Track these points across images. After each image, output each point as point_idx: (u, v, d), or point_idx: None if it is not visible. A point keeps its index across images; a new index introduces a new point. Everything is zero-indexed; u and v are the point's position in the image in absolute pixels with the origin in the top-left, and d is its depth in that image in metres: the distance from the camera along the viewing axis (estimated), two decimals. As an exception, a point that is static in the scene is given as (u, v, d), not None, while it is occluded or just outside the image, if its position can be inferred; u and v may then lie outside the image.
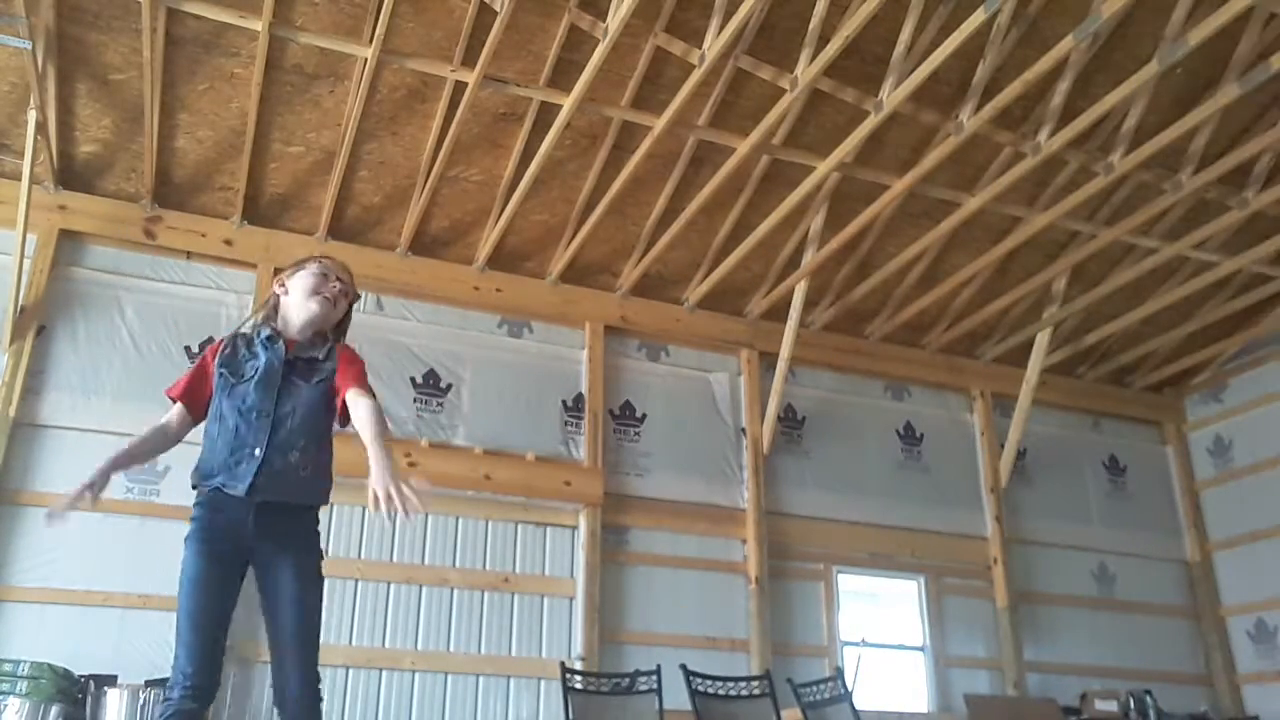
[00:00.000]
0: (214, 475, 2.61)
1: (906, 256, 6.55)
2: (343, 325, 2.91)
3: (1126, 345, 7.92)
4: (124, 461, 2.76)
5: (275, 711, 2.54)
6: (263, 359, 2.71)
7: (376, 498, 2.34)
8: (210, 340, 5.96)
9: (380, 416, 2.59)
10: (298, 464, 2.64)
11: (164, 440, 2.79)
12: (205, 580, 2.52)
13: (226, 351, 2.77)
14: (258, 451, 2.60)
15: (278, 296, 2.85)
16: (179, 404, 2.79)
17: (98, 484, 2.62)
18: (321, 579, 2.66)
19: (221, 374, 2.72)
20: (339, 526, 5.86)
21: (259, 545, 2.58)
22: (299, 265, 2.87)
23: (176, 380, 2.84)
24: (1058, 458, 7.95)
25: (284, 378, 2.70)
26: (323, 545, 2.73)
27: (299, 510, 2.66)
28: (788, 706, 5.58)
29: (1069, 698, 6.87)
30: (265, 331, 2.78)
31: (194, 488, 2.66)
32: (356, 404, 2.62)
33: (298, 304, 2.79)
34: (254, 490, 2.56)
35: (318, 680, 2.55)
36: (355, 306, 2.93)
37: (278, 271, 3.03)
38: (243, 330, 2.86)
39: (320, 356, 2.76)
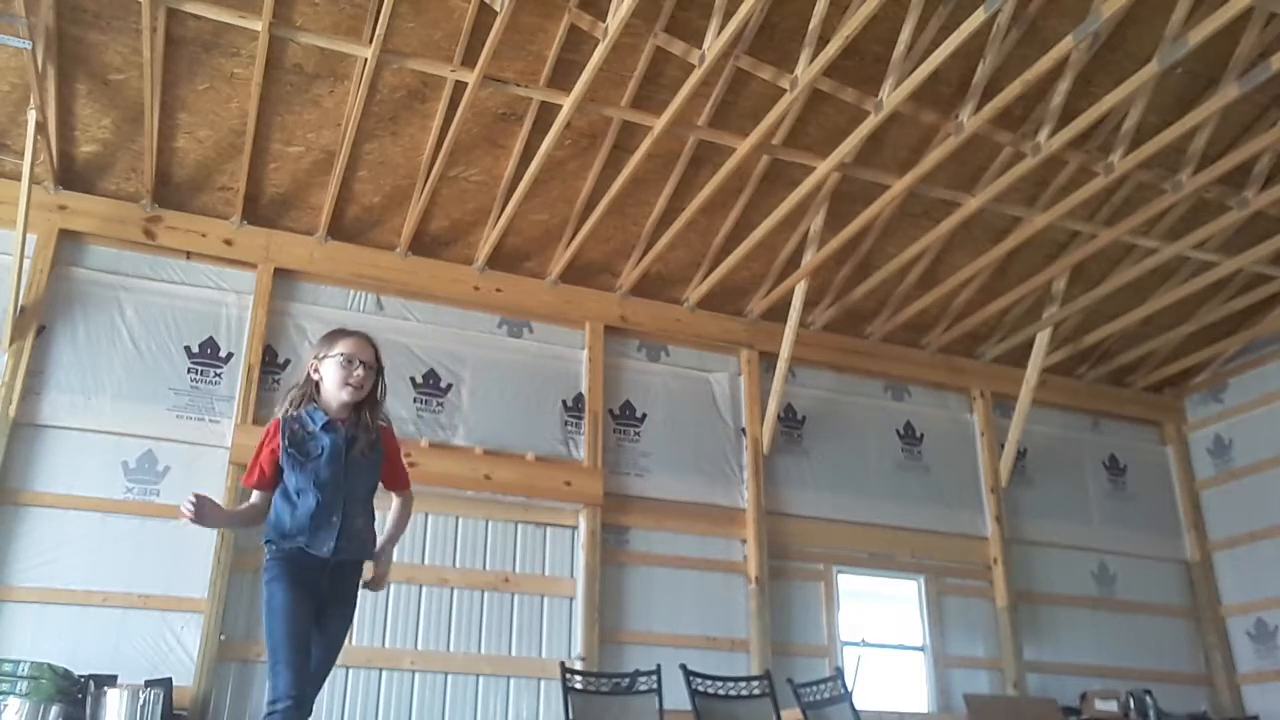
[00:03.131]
0: (295, 536, 3.04)
1: (906, 256, 6.55)
2: (377, 394, 3.28)
3: (1126, 345, 7.92)
4: (224, 522, 3.65)
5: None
6: (327, 441, 3.12)
7: (377, 581, 3.24)
8: (211, 342, 5.99)
9: (408, 515, 3.44)
10: (363, 528, 3.16)
11: (258, 520, 3.19)
12: (297, 610, 2.97)
13: (287, 436, 3.14)
14: (335, 519, 3.06)
15: (314, 381, 3.22)
16: (262, 491, 3.18)
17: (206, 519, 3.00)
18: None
19: (291, 454, 3.10)
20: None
21: (328, 590, 3.07)
22: (328, 347, 3.22)
23: (251, 470, 3.20)
24: (1058, 458, 7.95)
25: (345, 453, 3.13)
26: None
27: (358, 564, 3.17)
28: (788, 706, 5.58)
29: (1069, 698, 6.87)
30: (319, 416, 3.17)
31: (268, 542, 3.07)
32: (398, 499, 3.39)
33: (331, 393, 3.18)
34: (336, 552, 3.04)
35: (306, 694, 2.95)
36: (380, 376, 3.28)
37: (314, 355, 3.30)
38: (291, 413, 3.21)
39: (374, 438, 3.22)
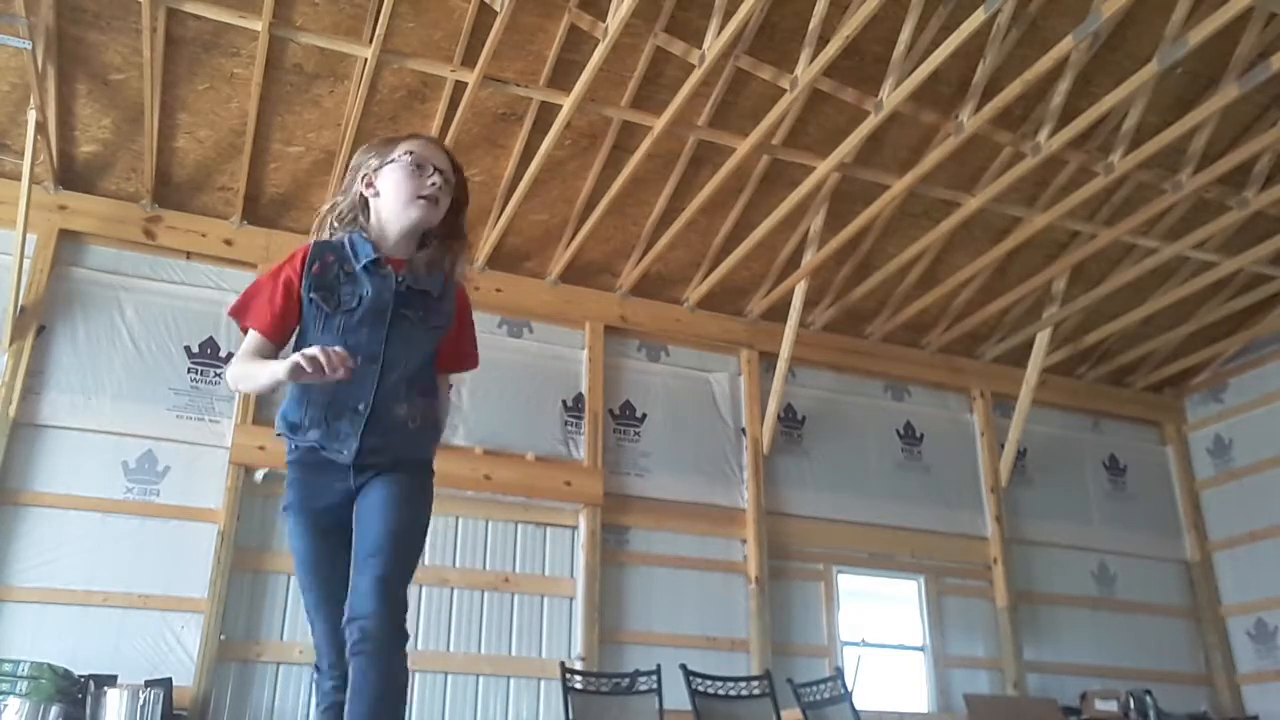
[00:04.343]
0: (305, 430, 2.19)
1: (906, 256, 6.55)
2: (454, 226, 2.35)
3: (1126, 345, 7.92)
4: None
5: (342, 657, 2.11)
6: (369, 288, 2.20)
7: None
8: (211, 342, 5.99)
9: (448, 408, 2.47)
10: (406, 417, 2.22)
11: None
12: (318, 561, 2.22)
13: (316, 269, 2.21)
14: (363, 406, 2.16)
15: (363, 199, 2.29)
16: (264, 339, 2.21)
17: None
18: (429, 498, 2.25)
19: (313, 300, 2.20)
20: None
21: (359, 489, 2.20)
22: (385, 150, 2.30)
23: (248, 300, 2.24)
24: (1058, 458, 7.95)
25: (394, 311, 2.21)
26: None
27: (406, 468, 2.25)
28: (788, 706, 5.58)
29: (1069, 698, 6.87)
30: (366, 249, 2.23)
31: (279, 435, 2.27)
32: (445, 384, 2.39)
33: (394, 211, 2.25)
34: (360, 455, 2.16)
35: (395, 604, 2.03)
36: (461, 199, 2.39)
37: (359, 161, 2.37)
38: (331, 239, 2.29)
39: (435, 294, 2.29)
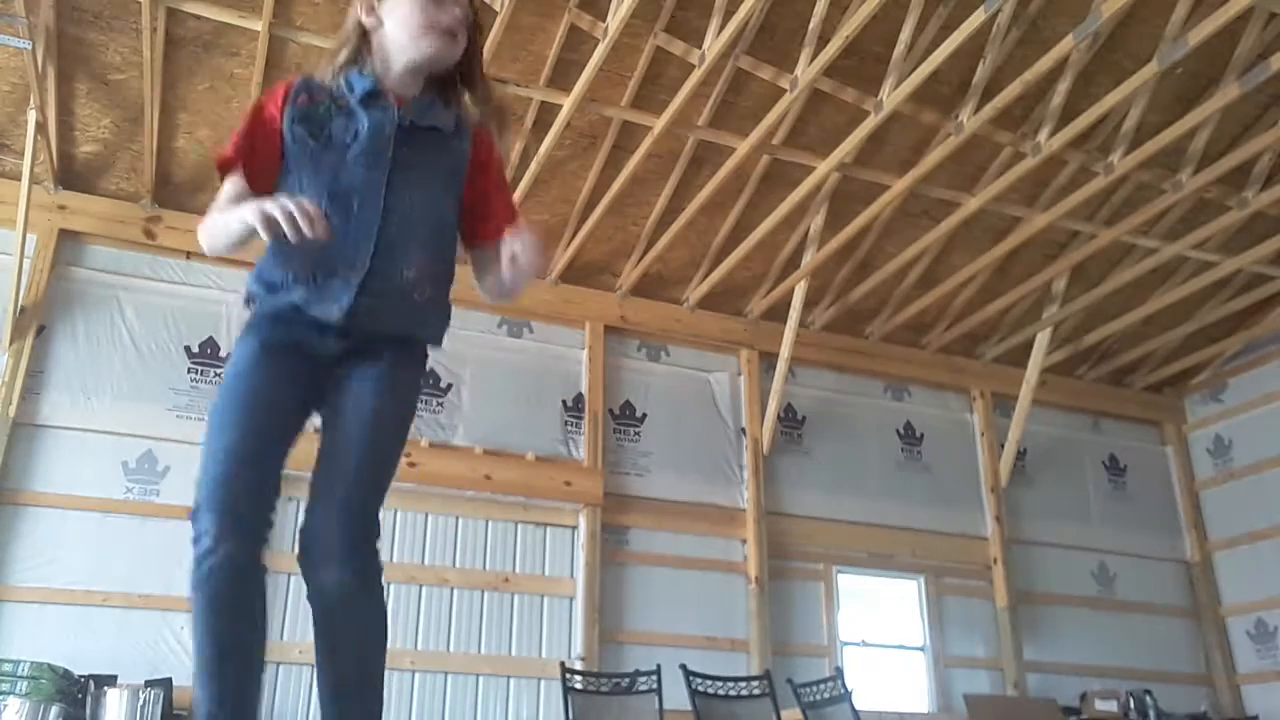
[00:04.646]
0: (285, 289, 1.84)
1: (906, 256, 6.55)
2: (469, 70, 2.00)
3: (1126, 345, 7.92)
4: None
5: (305, 587, 1.84)
6: (365, 121, 1.87)
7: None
8: (211, 342, 5.99)
9: (540, 252, 1.91)
10: (412, 283, 1.89)
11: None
12: (258, 398, 1.81)
13: (302, 100, 1.89)
14: (360, 261, 1.83)
15: (362, 30, 1.95)
16: (240, 184, 1.87)
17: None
18: (412, 411, 1.98)
19: (297, 134, 1.86)
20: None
21: (342, 366, 1.88)
22: None
23: (231, 150, 1.91)
24: (1058, 458, 7.95)
25: (396, 150, 1.88)
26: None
27: (405, 348, 1.94)
28: (788, 706, 5.58)
29: (1069, 698, 6.87)
30: (364, 82, 1.90)
31: (246, 303, 1.91)
32: (515, 247, 1.84)
33: (402, 44, 1.91)
34: (353, 317, 1.83)
35: (376, 536, 1.81)
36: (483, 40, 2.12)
37: None
38: (322, 79, 1.94)
39: (447, 129, 1.95)
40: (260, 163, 1.88)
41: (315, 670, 1.85)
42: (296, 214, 1.65)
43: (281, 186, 1.86)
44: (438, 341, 2.02)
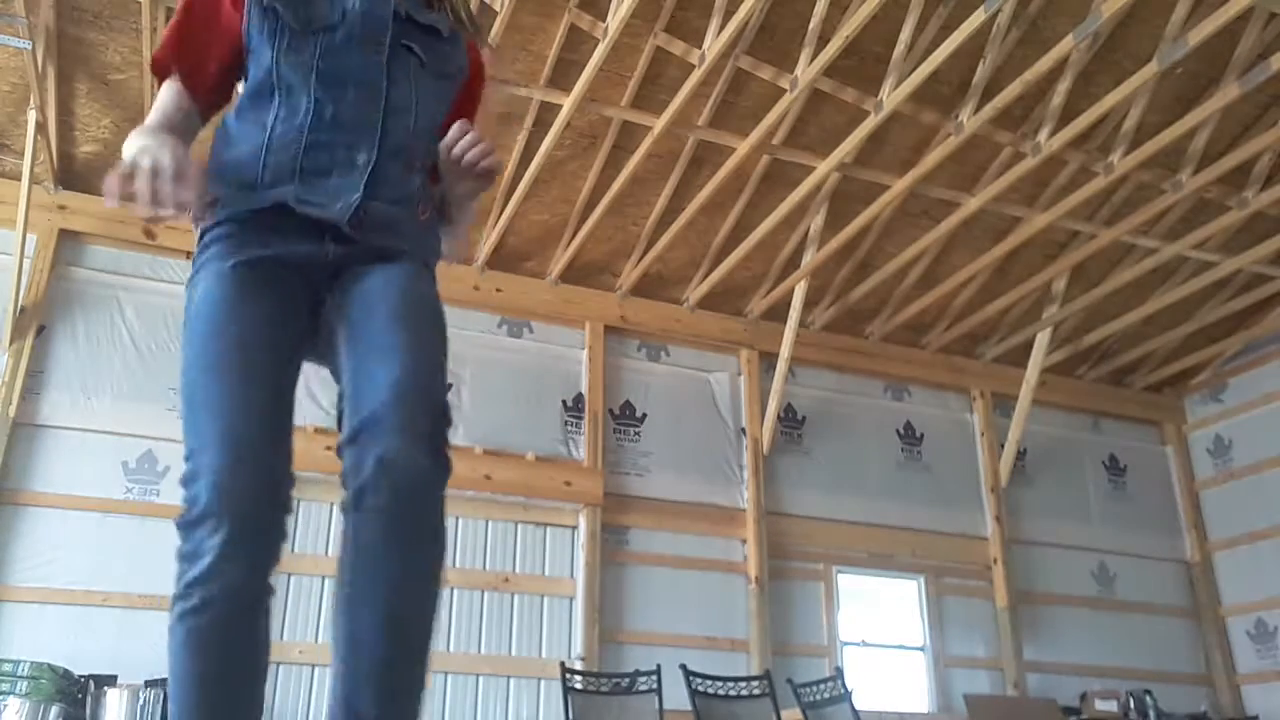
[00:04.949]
0: (265, 187, 1.49)
1: (906, 256, 6.55)
2: None
3: (1126, 345, 7.92)
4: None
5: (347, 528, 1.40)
6: (356, 1, 1.58)
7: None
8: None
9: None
10: (416, 197, 1.61)
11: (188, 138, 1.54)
12: (241, 332, 1.44)
13: None
14: (364, 157, 1.53)
15: None
16: (172, 82, 1.57)
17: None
18: (444, 321, 1.59)
19: (271, 9, 1.54)
20: (338, 527, 5.86)
21: (338, 279, 1.54)
22: None
23: (167, 40, 1.61)
24: (1058, 458, 7.95)
25: (394, 40, 1.60)
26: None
27: (409, 260, 1.59)
28: (788, 706, 5.58)
29: (1069, 698, 6.87)
30: None
31: (202, 223, 1.53)
32: None
33: None
34: (359, 222, 1.51)
35: (442, 416, 1.45)
36: None
37: None
38: None
39: (444, 33, 1.68)
40: (204, 58, 1.57)
41: (340, 631, 1.37)
42: (148, 175, 1.32)
43: (251, 77, 1.56)
44: (434, 249, 1.68)
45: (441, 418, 1.43)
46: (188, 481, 1.37)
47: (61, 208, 5.85)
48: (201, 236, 1.53)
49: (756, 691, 5.69)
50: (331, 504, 5.90)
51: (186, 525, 1.35)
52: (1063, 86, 5.53)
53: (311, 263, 1.52)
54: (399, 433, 1.35)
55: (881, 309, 7.39)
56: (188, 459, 1.38)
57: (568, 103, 5.33)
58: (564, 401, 6.68)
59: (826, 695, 5.62)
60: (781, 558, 6.80)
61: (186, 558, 1.34)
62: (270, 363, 1.45)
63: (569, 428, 6.62)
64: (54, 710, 4.60)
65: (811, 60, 5.01)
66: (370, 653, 1.34)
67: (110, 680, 4.86)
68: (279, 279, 1.49)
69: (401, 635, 1.35)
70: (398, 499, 1.34)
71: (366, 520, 1.35)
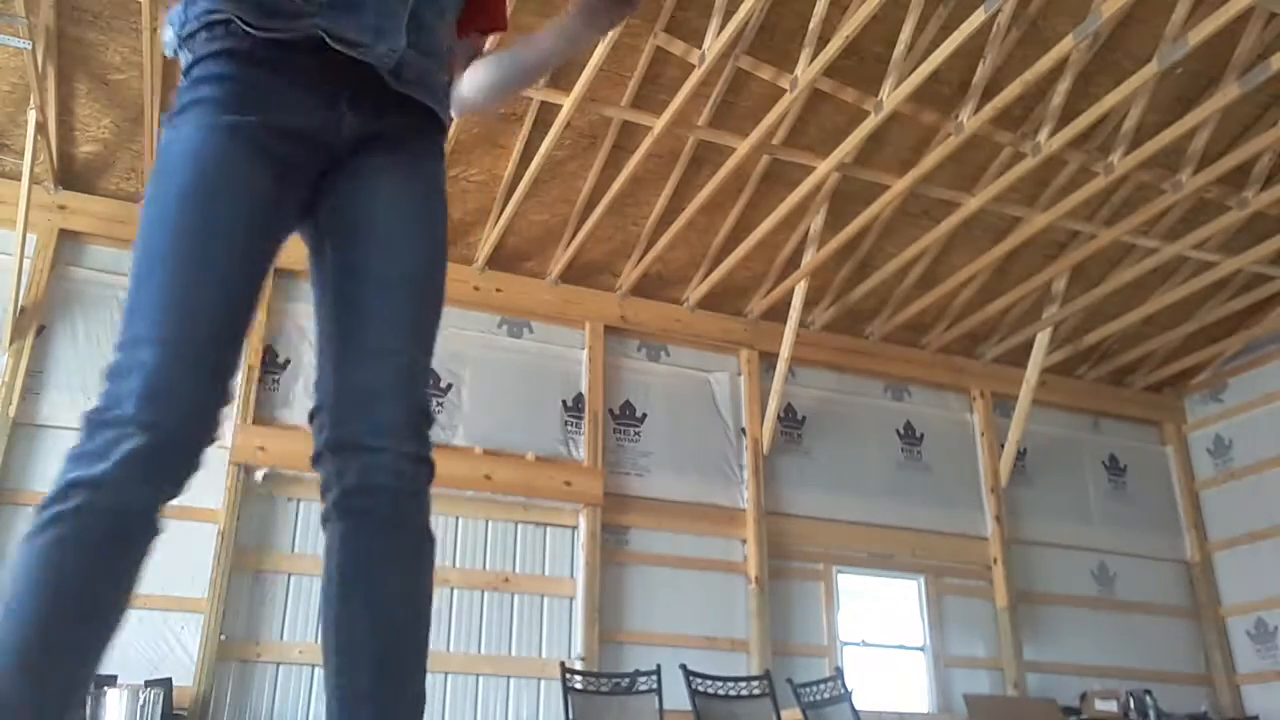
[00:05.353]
0: (293, 15, 1.26)
1: (906, 256, 6.55)
2: None
3: (1126, 345, 7.92)
4: None
5: (328, 477, 1.30)
6: None
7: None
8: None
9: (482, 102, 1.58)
10: (441, 53, 1.43)
11: None
12: (234, 194, 1.23)
13: None
14: None
15: None
16: None
17: None
18: (447, 220, 1.44)
19: None
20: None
21: (346, 160, 1.35)
22: None
23: None
24: (1058, 458, 7.95)
25: None
26: None
27: (429, 127, 1.43)
28: (788, 706, 5.58)
29: (1069, 698, 6.87)
30: None
31: (183, 40, 1.32)
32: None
33: None
34: (401, 69, 1.33)
35: (429, 421, 1.32)
36: None
37: None
38: None
39: None
40: None
41: (334, 644, 1.25)
42: None
43: None
44: (445, 131, 1.48)
45: (426, 420, 1.32)
46: (114, 375, 1.18)
47: (61, 208, 5.85)
48: (189, 69, 1.30)
49: (756, 691, 5.69)
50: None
51: (96, 423, 1.17)
52: (1063, 86, 5.53)
53: (318, 139, 1.31)
54: (387, 440, 1.27)
55: (881, 309, 7.39)
56: (122, 348, 1.18)
57: (568, 103, 5.33)
58: (564, 401, 6.68)
59: (826, 695, 5.62)
60: (781, 558, 6.80)
61: (81, 457, 1.17)
62: (247, 252, 1.25)
63: (569, 428, 6.62)
64: (54, 710, 4.59)
65: (811, 60, 5.01)
66: (371, 661, 1.24)
67: (110, 680, 4.85)
68: (275, 155, 1.27)
69: (402, 642, 1.26)
70: (389, 507, 1.27)
71: (356, 529, 1.27)
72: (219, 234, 1.21)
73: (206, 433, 1.24)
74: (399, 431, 1.27)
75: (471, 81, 1.56)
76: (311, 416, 1.32)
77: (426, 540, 1.30)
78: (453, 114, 1.53)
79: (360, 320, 1.30)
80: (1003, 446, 7.60)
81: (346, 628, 1.24)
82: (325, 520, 1.29)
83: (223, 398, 1.24)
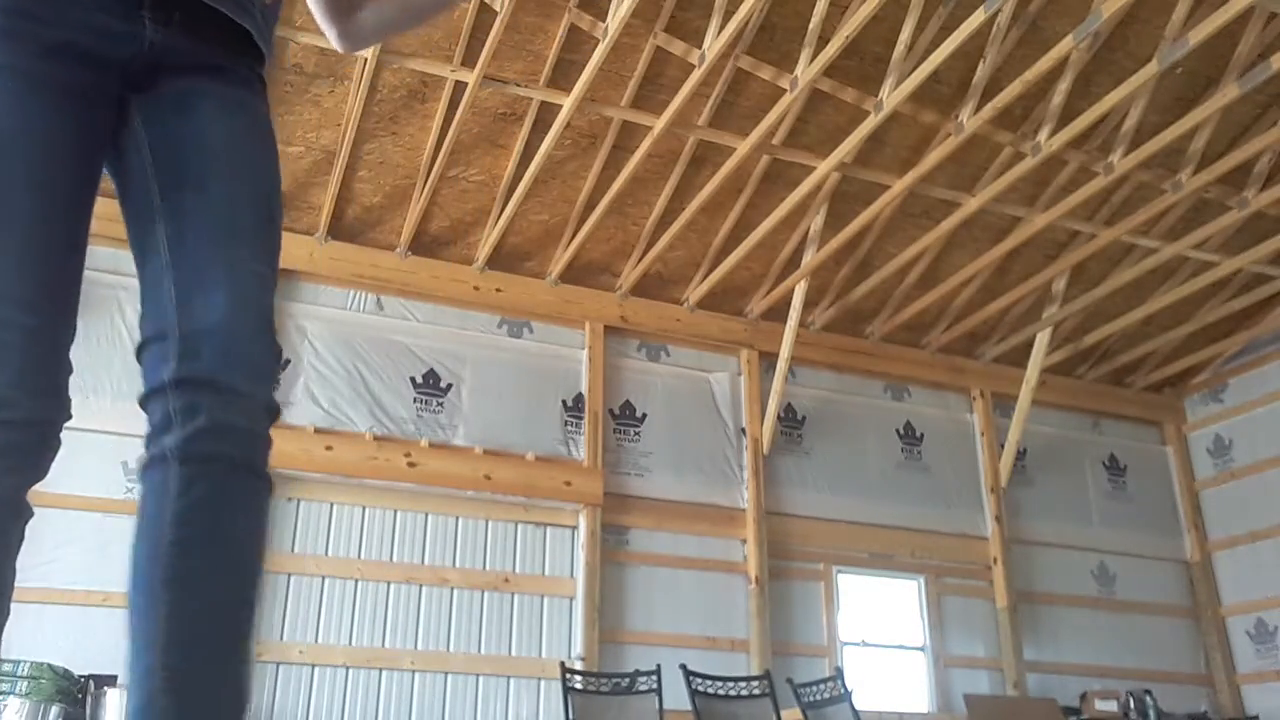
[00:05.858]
0: None
1: (906, 256, 6.55)
2: None
3: (1126, 345, 7.92)
4: None
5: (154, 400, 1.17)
6: None
7: None
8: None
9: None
10: None
11: None
12: (35, 153, 1.17)
13: None
14: None
15: None
16: None
17: None
18: (277, 159, 1.31)
19: None
20: (338, 527, 5.86)
21: (146, 85, 1.23)
22: None
23: None
24: (1058, 458, 7.95)
25: None
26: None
27: (237, 47, 1.29)
28: (788, 706, 5.58)
29: (1069, 698, 6.87)
30: None
31: None
32: None
33: None
34: None
35: (277, 361, 1.27)
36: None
37: None
38: None
39: None
40: None
41: (166, 603, 1.09)
42: None
43: None
44: (264, 64, 1.34)
45: (279, 362, 1.24)
46: None
47: (61, 208, 5.85)
48: None
49: (756, 691, 5.70)
50: (332, 504, 5.92)
51: None
52: (1063, 86, 5.53)
53: (119, 56, 1.17)
54: (245, 379, 1.18)
55: (881, 309, 7.39)
56: None
57: (568, 103, 5.33)
58: (564, 401, 6.68)
59: (826, 695, 5.62)
60: (781, 558, 6.80)
61: None
62: (70, 203, 1.19)
63: (569, 428, 6.62)
64: (54, 710, 4.60)
65: (811, 60, 5.01)
66: (204, 599, 1.11)
67: (110, 680, 4.85)
68: (78, 80, 1.15)
69: (246, 591, 1.16)
70: (243, 449, 1.18)
71: (203, 473, 1.14)
72: (40, 196, 1.14)
73: (60, 369, 1.14)
74: (259, 371, 1.19)
75: (375, 10, 1.46)
76: (141, 350, 1.21)
77: (269, 487, 1.23)
78: (349, 45, 1.45)
79: (206, 255, 1.20)
80: (1003, 446, 7.60)
81: (184, 582, 1.10)
82: (153, 464, 1.15)
83: (66, 338, 1.17)
